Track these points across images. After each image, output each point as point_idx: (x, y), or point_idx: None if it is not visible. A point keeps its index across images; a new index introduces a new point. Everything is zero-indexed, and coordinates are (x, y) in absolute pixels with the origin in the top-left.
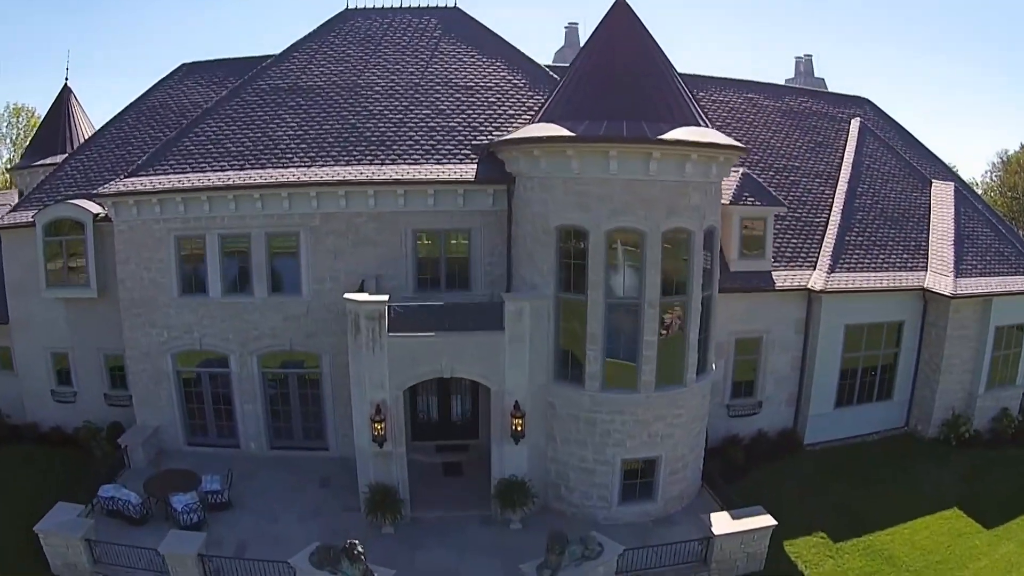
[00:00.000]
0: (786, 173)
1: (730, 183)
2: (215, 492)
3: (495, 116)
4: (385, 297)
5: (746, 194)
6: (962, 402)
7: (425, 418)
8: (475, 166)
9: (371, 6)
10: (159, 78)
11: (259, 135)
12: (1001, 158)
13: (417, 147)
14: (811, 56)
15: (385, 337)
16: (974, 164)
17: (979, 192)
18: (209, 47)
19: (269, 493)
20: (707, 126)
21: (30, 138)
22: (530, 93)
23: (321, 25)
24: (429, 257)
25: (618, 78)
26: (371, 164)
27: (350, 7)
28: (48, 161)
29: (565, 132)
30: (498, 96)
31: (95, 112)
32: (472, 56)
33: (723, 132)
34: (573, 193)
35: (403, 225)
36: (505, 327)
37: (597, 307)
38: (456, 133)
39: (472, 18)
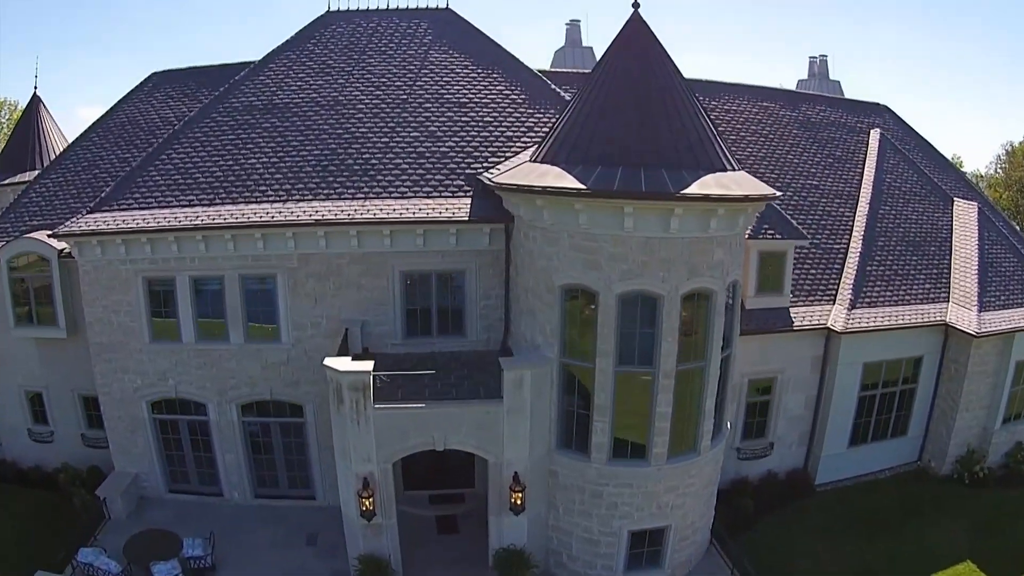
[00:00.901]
0: (804, 193)
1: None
2: (198, 558)
3: (491, 138)
4: (369, 366)
5: (766, 226)
6: (977, 437)
7: (417, 465)
8: (469, 200)
9: (355, 7)
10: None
11: (230, 163)
12: (1006, 149)
13: (404, 177)
14: (826, 57)
15: (371, 409)
16: (977, 155)
17: (983, 186)
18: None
19: (255, 553)
20: (734, 168)
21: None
22: (530, 111)
23: (300, 31)
24: (419, 301)
25: (634, 114)
26: (353, 199)
27: (331, 10)
28: (18, 180)
29: (572, 182)
30: (494, 114)
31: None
32: (466, 66)
33: (738, 146)
34: (581, 249)
35: (390, 266)
36: (503, 397)
37: (606, 376)
38: (448, 160)
39: (465, 21)
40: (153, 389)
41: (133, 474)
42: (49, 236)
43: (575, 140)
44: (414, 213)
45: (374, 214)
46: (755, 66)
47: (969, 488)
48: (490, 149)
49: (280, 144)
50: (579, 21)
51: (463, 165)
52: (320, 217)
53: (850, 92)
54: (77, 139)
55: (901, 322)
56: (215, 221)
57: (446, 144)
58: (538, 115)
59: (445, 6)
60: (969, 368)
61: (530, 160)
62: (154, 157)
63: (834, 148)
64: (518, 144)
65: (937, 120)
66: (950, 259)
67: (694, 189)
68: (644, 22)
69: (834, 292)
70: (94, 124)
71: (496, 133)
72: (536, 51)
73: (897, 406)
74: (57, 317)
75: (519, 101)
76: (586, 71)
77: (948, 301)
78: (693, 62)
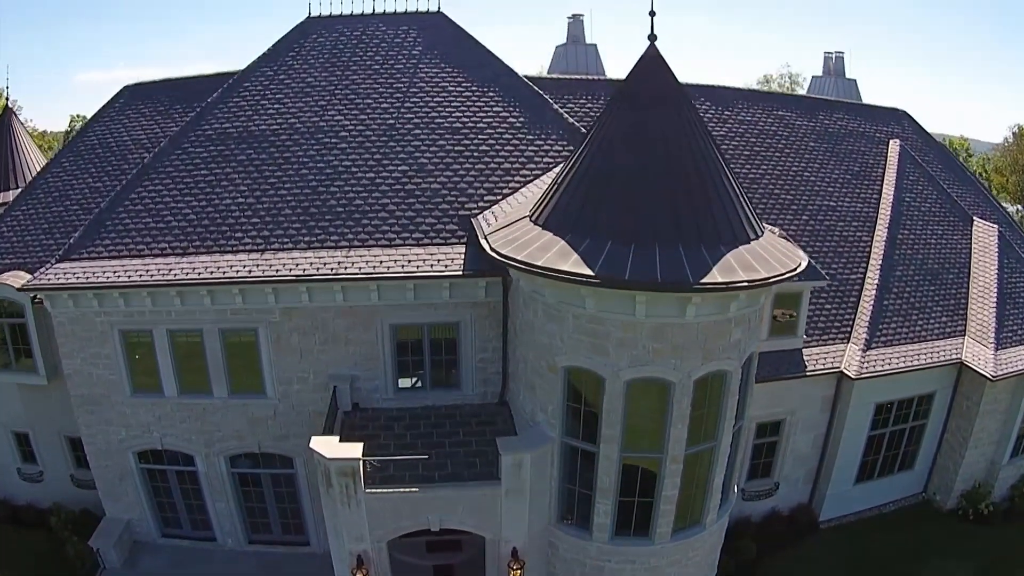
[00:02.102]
0: (821, 216)
1: None
2: None
3: (487, 171)
4: (358, 450)
5: None
6: (983, 471)
7: None
8: (463, 248)
9: (337, 12)
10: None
11: (203, 204)
12: (1013, 132)
13: (392, 220)
14: (842, 54)
15: (361, 492)
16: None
17: (991, 169)
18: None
19: None
20: (759, 234)
21: None
22: (529, 137)
23: (278, 42)
24: (411, 354)
25: (650, 181)
26: (337, 247)
27: (312, 15)
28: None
29: (579, 265)
30: (491, 142)
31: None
32: (459, 84)
33: (753, 163)
34: (587, 332)
35: (379, 320)
36: (502, 479)
37: (610, 462)
38: (439, 199)
39: (458, 27)
40: (138, 440)
41: (125, 520)
42: (19, 290)
43: (582, 204)
44: (403, 267)
45: (359, 268)
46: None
47: (974, 525)
48: (486, 185)
49: (256, 181)
50: (582, 16)
51: (456, 205)
52: (302, 272)
53: (863, 83)
54: (48, 165)
55: (917, 363)
56: (189, 277)
57: (437, 180)
58: (539, 142)
59: (436, 9)
60: (982, 407)
61: (530, 218)
62: (123, 196)
63: (852, 162)
64: (517, 177)
65: (946, 97)
66: (968, 287)
67: (716, 275)
68: (661, 59)
69: (849, 329)
70: (65, 147)
71: (493, 165)
72: (536, 46)
73: (906, 442)
74: (36, 364)
75: (518, 125)
76: (591, 77)
77: (964, 335)
78: (702, 56)
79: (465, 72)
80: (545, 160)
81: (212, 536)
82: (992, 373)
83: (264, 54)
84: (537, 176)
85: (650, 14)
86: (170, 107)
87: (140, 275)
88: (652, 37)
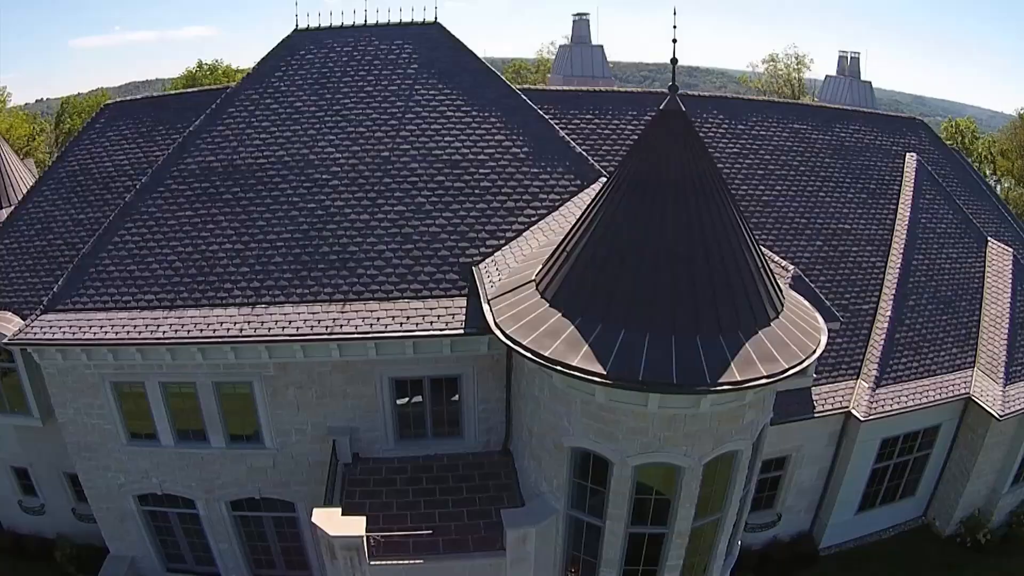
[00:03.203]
0: (835, 241)
1: None
2: None
3: (489, 211)
4: (362, 526)
5: None
6: (984, 498)
7: None
8: (464, 301)
9: (327, 23)
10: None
11: (190, 250)
12: (1020, 114)
13: (389, 270)
14: (857, 55)
15: (366, 565)
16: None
17: (995, 152)
18: None
19: None
20: (780, 307)
21: None
22: (534, 170)
23: (264, 59)
24: (412, 405)
25: (669, 262)
26: (331, 300)
27: (299, 28)
28: None
29: (588, 360)
30: (493, 176)
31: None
32: (458, 108)
33: (767, 183)
34: (596, 418)
35: (378, 374)
36: (507, 550)
37: (616, 536)
38: (439, 244)
39: (456, 41)
40: (137, 485)
41: (129, 558)
42: (4, 345)
43: (593, 285)
44: (401, 324)
45: (355, 326)
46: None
47: (972, 552)
48: (488, 227)
49: (244, 224)
50: (587, 15)
51: (457, 251)
52: (295, 332)
53: (877, 81)
54: (29, 193)
55: (926, 401)
56: (178, 335)
57: (436, 222)
58: (544, 175)
59: (433, 19)
60: (987, 440)
61: (536, 285)
62: (106, 239)
63: (868, 179)
64: (521, 217)
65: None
66: (980, 314)
67: (734, 372)
68: (683, 116)
69: (859, 364)
70: (46, 174)
71: (495, 204)
72: (538, 43)
73: (909, 471)
74: (29, 406)
75: (522, 156)
76: (598, 89)
77: (974, 366)
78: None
79: (465, 94)
80: (551, 197)
81: (216, 572)
82: (1000, 412)
83: (249, 74)
84: (542, 216)
85: (672, 62)
86: (153, 128)
87: (127, 331)
88: (673, 88)
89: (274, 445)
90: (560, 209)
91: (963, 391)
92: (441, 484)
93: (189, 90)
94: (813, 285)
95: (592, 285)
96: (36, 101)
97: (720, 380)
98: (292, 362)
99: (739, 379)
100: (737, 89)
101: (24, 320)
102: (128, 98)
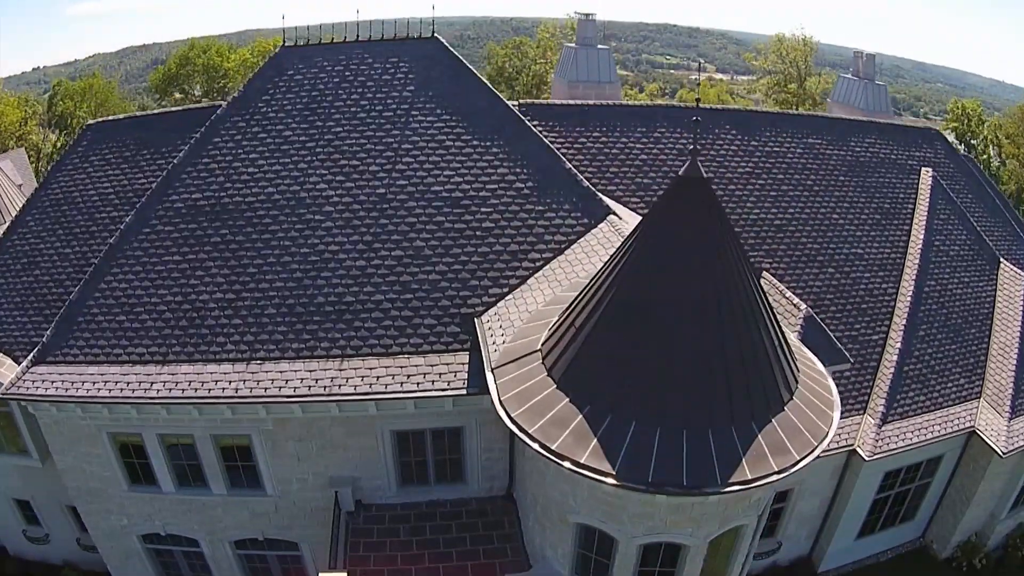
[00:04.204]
0: (847, 268)
1: (789, 329)
2: None
3: (491, 255)
4: None
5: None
6: (982, 523)
7: None
8: (467, 357)
9: (315, 38)
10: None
11: (179, 299)
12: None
13: (388, 322)
14: (873, 56)
15: None
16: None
17: (1003, 137)
18: None
19: None
20: (795, 386)
21: None
22: (539, 208)
23: (250, 81)
24: (414, 454)
25: (686, 348)
26: (328, 356)
27: (287, 45)
28: None
29: (596, 457)
30: (495, 216)
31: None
32: (459, 137)
33: (779, 204)
34: (603, 501)
35: (379, 427)
36: None
37: None
38: (439, 293)
39: (455, 58)
40: (140, 527)
41: None
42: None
43: (603, 372)
44: (402, 384)
45: (355, 386)
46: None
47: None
48: (490, 274)
49: (235, 270)
50: (594, 16)
51: (458, 300)
52: (293, 392)
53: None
54: (13, 224)
55: (930, 436)
56: (172, 394)
57: (436, 268)
58: (550, 214)
59: (431, 34)
60: (988, 471)
61: (542, 358)
62: (93, 285)
63: (883, 198)
64: (525, 262)
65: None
66: (989, 342)
67: (745, 471)
68: (704, 184)
69: (865, 399)
70: (28, 203)
71: (498, 247)
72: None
73: (910, 498)
74: (28, 449)
75: (526, 192)
76: (605, 103)
77: (980, 397)
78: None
79: (464, 120)
80: (556, 238)
81: None
82: (1004, 450)
83: (235, 98)
84: (547, 261)
85: (694, 123)
86: (136, 153)
87: (120, 388)
88: (695, 151)
89: (275, 492)
90: (566, 252)
91: (968, 424)
92: (445, 535)
93: (173, 109)
94: (824, 316)
95: (602, 371)
96: (33, 69)
97: (731, 480)
98: (291, 417)
99: (749, 477)
100: (738, 51)
101: (16, 362)
102: (110, 118)
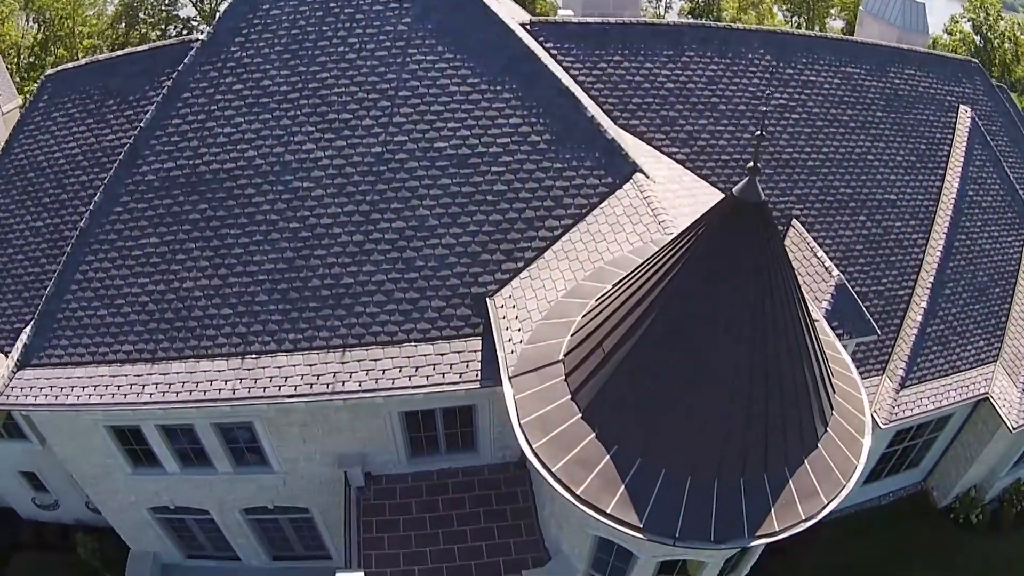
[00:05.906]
0: (879, 216)
1: (818, 296)
2: None
3: (504, 224)
4: None
5: (835, 323)
6: (982, 478)
7: None
8: (479, 344)
9: None
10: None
11: (162, 288)
12: None
13: (391, 305)
14: None
15: None
16: None
17: (1018, 33)
18: None
19: None
20: (830, 417)
21: None
22: (558, 166)
23: (222, 17)
24: (424, 429)
25: (726, 394)
26: (328, 346)
27: None
28: None
29: (623, 507)
30: (508, 176)
31: None
32: (464, 80)
33: (814, 143)
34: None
35: (386, 410)
36: None
37: None
38: (446, 270)
39: None
40: (149, 502)
41: (152, 553)
42: None
43: (634, 409)
44: (410, 377)
45: (359, 382)
46: None
47: (963, 531)
48: (503, 245)
49: (219, 252)
50: None
51: (468, 278)
52: (293, 390)
53: None
54: None
55: (946, 403)
56: (166, 397)
57: (442, 240)
58: (569, 172)
59: None
60: (995, 435)
61: (565, 371)
62: (68, 277)
63: (919, 139)
64: (542, 231)
65: None
66: (1011, 302)
67: (773, 522)
68: (761, 211)
69: (886, 359)
70: None
71: (511, 215)
72: None
73: (917, 450)
74: (27, 434)
75: (542, 146)
76: (626, 21)
77: (997, 361)
78: None
79: (471, 59)
80: (577, 201)
81: (236, 556)
82: (1014, 424)
83: (204, 42)
84: (566, 229)
85: (751, 171)
86: (102, 104)
87: (112, 392)
88: (754, 169)
89: (282, 469)
90: (587, 220)
91: (983, 390)
92: (458, 510)
93: (139, 49)
94: (852, 269)
95: (632, 410)
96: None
97: (758, 533)
98: (293, 408)
99: (776, 529)
100: None
101: (1, 351)
102: (70, 65)
